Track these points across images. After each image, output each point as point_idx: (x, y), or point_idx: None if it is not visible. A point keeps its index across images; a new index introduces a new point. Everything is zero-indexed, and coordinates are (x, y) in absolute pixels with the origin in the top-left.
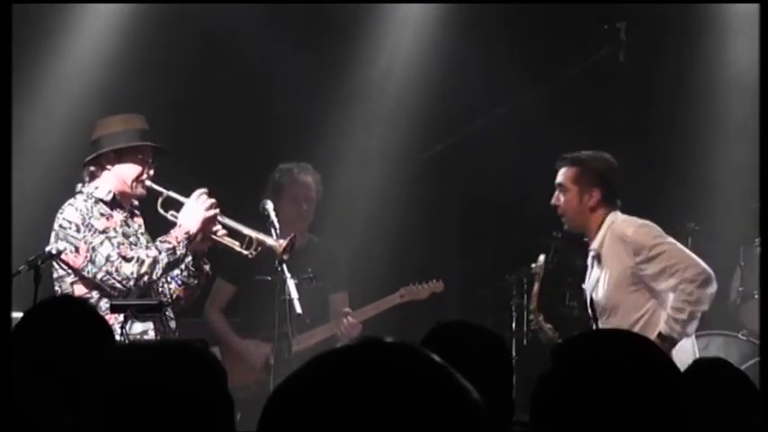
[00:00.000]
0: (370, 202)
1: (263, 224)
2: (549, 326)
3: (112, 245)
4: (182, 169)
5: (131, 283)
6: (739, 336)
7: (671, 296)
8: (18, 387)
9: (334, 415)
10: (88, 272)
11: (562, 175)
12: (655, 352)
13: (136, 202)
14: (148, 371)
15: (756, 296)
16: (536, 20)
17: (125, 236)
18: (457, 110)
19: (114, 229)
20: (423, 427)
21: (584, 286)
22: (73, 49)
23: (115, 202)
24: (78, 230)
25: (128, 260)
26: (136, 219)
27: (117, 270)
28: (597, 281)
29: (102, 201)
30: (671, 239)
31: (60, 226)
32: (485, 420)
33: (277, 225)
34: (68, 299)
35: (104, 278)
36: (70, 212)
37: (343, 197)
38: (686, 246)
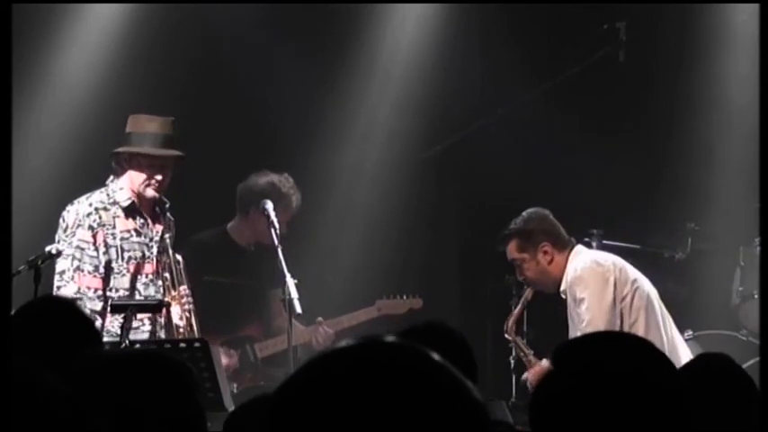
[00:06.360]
0: (370, 202)
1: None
2: (530, 350)
3: (72, 265)
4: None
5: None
6: (739, 336)
7: None
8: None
9: (337, 414)
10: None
11: (509, 253)
12: (655, 354)
13: (167, 204)
14: (112, 385)
15: (756, 296)
16: (536, 20)
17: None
18: (456, 111)
19: (95, 245)
20: (424, 426)
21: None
22: (72, 49)
23: (134, 208)
24: (65, 231)
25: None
26: (156, 225)
27: (58, 288)
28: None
29: (118, 204)
30: (592, 298)
31: (61, 218)
32: (486, 419)
33: (277, 225)
34: (53, 299)
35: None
36: (70, 212)
37: (343, 198)
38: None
